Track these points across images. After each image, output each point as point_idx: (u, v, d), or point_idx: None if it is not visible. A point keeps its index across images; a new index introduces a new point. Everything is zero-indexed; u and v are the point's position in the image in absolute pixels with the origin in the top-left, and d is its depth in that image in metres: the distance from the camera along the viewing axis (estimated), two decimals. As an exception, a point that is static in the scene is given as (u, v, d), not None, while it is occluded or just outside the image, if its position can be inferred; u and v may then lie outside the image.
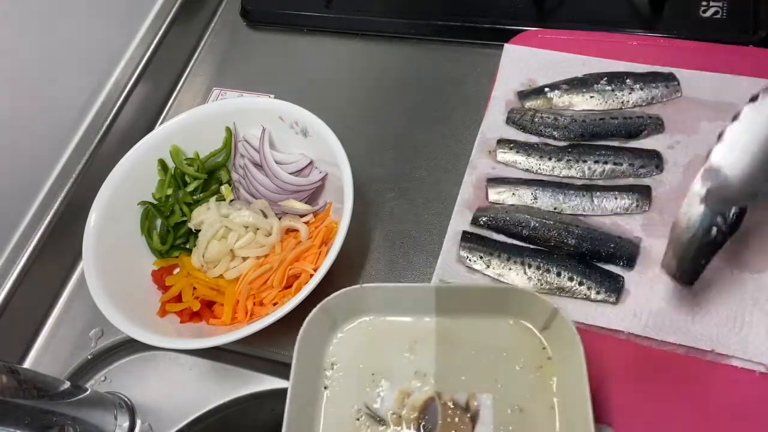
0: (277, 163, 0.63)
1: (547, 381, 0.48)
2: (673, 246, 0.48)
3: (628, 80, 0.64)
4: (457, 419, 0.47)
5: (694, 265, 0.48)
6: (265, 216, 0.61)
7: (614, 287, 0.54)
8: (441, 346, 0.50)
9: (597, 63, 0.67)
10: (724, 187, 0.43)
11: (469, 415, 0.47)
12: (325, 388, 0.49)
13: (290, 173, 0.63)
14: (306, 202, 0.63)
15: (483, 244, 0.58)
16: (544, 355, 0.48)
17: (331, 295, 0.49)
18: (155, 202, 0.63)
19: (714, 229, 0.45)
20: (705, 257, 0.47)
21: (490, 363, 0.49)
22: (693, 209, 0.45)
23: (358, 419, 0.48)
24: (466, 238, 0.58)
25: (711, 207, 0.44)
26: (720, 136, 0.43)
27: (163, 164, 0.64)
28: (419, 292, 0.51)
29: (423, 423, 0.48)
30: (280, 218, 0.62)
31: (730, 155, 0.42)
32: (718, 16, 0.67)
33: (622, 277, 0.55)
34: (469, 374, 0.49)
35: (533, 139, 0.64)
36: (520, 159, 0.62)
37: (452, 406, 0.48)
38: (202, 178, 0.64)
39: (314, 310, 0.48)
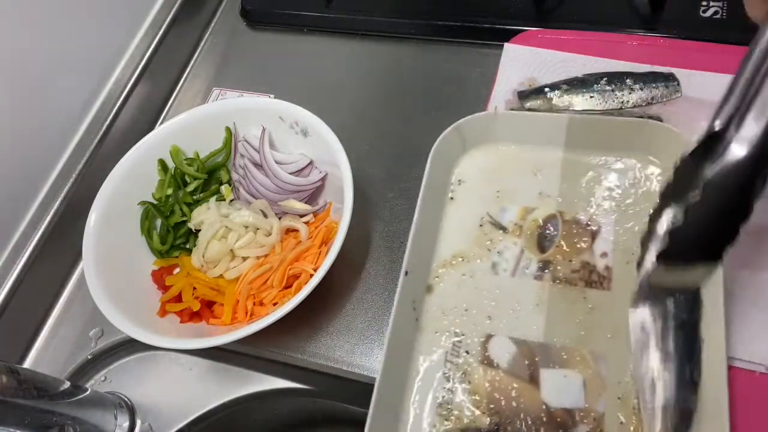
0: (277, 163, 0.63)
1: None
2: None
3: (628, 80, 0.64)
4: (578, 233, 0.50)
5: None
6: (265, 216, 0.61)
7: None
8: (566, 174, 0.53)
9: (597, 63, 0.67)
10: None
11: (590, 231, 0.50)
12: (452, 199, 0.54)
13: (290, 173, 0.63)
14: (306, 202, 0.63)
15: (483, 243, 0.58)
16: None
17: (465, 118, 0.53)
18: (155, 202, 0.63)
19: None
20: None
21: (614, 195, 0.51)
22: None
23: (481, 225, 0.53)
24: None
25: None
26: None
27: (163, 164, 0.64)
28: (552, 122, 0.53)
29: (544, 233, 0.51)
30: (280, 218, 0.62)
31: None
32: (718, 16, 0.67)
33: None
34: (592, 200, 0.51)
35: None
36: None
37: (574, 223, 0.51)
38: (202, 178, 0.64)
39: (448, 129, 0.54)
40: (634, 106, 0.64)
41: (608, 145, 0.52)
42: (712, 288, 0.46)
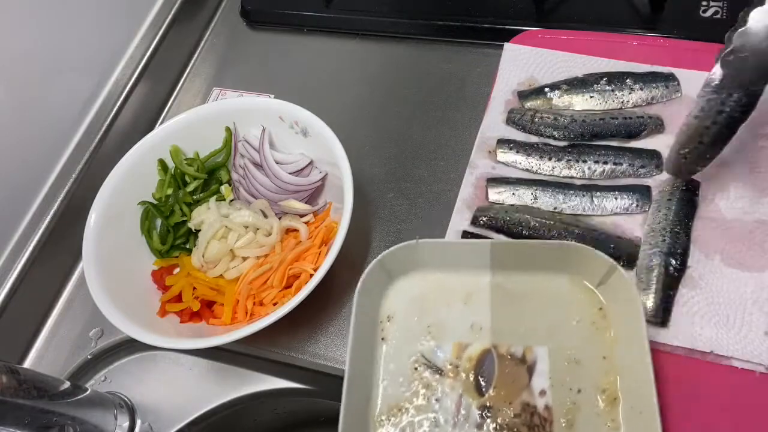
0: (277, 163, 0.63)
1: (603, 334, 0.48)
2: (680, 139, 0.50)
3: (628, 80, 0.64)
4: (514, 369, 0.48)
5: (704, 152, 0.51)
6: (265, 216, 0.61)
7: (614, 287, 0.54)
8: (496, 301, 0.51)
9: (597, 63, 0.67)
10: (741, 68, 0.45)
11: (525, 366, 0.48)
12: (383, 340, 0.50)
13: (290, 173, 0.63)
14: (306, 202, 0.63)
15: (483, 244, 0.58)
16: (600, 310, 0.49)
17: (388, 250, 0.50)
18: (155, 202, 0.63)
19: (727, 110, 0.47)
20: (714, 144, 0.49)
21: (545, 317, 0.50)
22: (706, 96, 0.47)
23: (416, 369, 0.49)
24: (466, 237, 0.58)
25: (727, 86, 0.46)
26: (740, 19, 0.45)
27: (163, 164, 0.64)
28: (474, 248, 0.51)
29: (480, 373, 0.48)
30: (280, 218, 0.62)
31: (752, 36, 0.44)
32: (718, 16, 0.67)
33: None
34: (524, 327, 0.49)
35: (533, 139, 0.64)
36: (520, 159, 0.62)
37: (509, 357, 0.48)
38: (202, 178, 0.64)
39: (371, 264, 0.50)
40: (634, 106, 0.64)
41: (534, 266, 0.50)
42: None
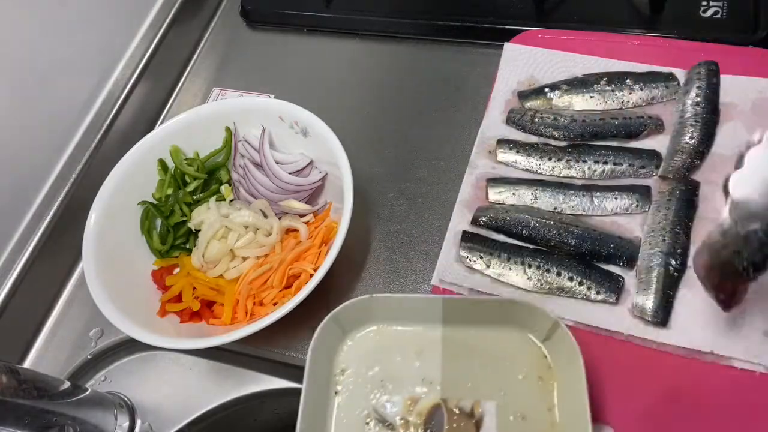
0: (277, 163, 0.63)
1: (548, 389, 0.49)
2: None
3: (628, 80, 0.64)
4: (462, 425, 0.48)
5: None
6: (265, 216, 0.61)
7: (614, 288, 0.54)
8: (447, 355, 0.51)
9: (597, 63, 0.66)
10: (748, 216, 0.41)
11: (473, 421, 0.48)
12: (336, 393, 0.51)
13: (290, 173, 0.63)
14: (306, 202, 0.63)
15: (483, 243, 0.58)
16: (545, 364, 0.50)
17: (341, 305, 0.50)
18: (155, 202, 0.63)
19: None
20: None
21: (494, 372, 0.50)
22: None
23: (367, 423, 0.49)
24: (466, 237, 0.58)
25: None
26: (738, 161, 0.42)
27: (163, 164, 0.64)
28: (426, 303, 0.52)
29: (429, 428, 0.49)
30: (280, 218, 0.62)
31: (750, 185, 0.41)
32: (718, 16, 0.67)
33: (622, 278, 0.55)
34: (473, 382, 0.50)
35: (533, 139, 0.64)
36: (520, 159, 0.62)
37: (457, 412, 0.49)
38: (202, 178, 0.64)
39: (325, 320, 0.50)
40: (634, 106, 0.64)
41: (485, 320, 0.51)
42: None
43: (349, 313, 0.51)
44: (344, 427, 0.49)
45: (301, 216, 0.62)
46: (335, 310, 0.50)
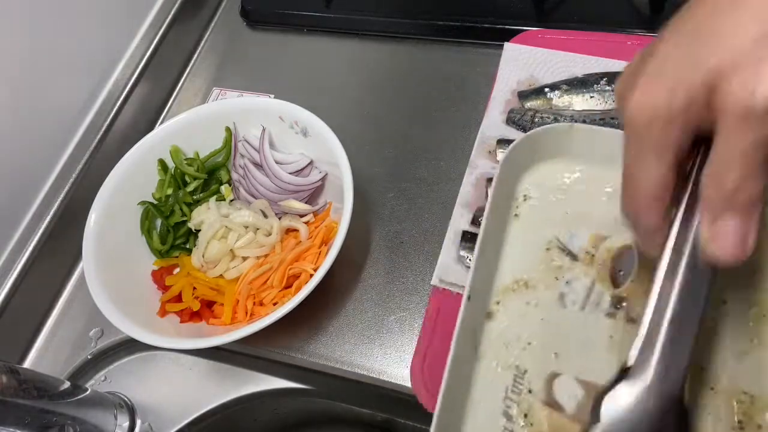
0: (277, 163, 0.63)
1: None
2: None
3: (628, 80, 0.64)
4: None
5: None
6: (265, 216, 0.61)
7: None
8: None
9: (597, 63, 0.66)
10: None
11: None
12: (516, 216, 0.49)
13: (290, 173, 0.63)
14: (306, 202, 0.63)
15: (483, 244, 0.58)
16: None
17: (539, 128, 0.49)
18: (155, 202, 0.63)
19: None
20: None
21: None
22: None
23: (548, 249, 0.48)
24: (466, 237, 0.58)
25: None
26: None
27: (163, 164, 0.64)
28: None
29: (617, 266, 0.46)
30: (280, 218, 0.62)
31: None
32: (718, 16, 0.67)
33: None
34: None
35: (533, 138, 0.64)
36: None
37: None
38: (202, 178, 0.64)
39: (520, 138, 0.49)
40: (634, 106, 0.64)
41: None
42: None
43: (544, 138, 0.49)
44: (521, 250, 0.48)
45: (301, 216, 0.62)
46: (531, 132, 0.49)
